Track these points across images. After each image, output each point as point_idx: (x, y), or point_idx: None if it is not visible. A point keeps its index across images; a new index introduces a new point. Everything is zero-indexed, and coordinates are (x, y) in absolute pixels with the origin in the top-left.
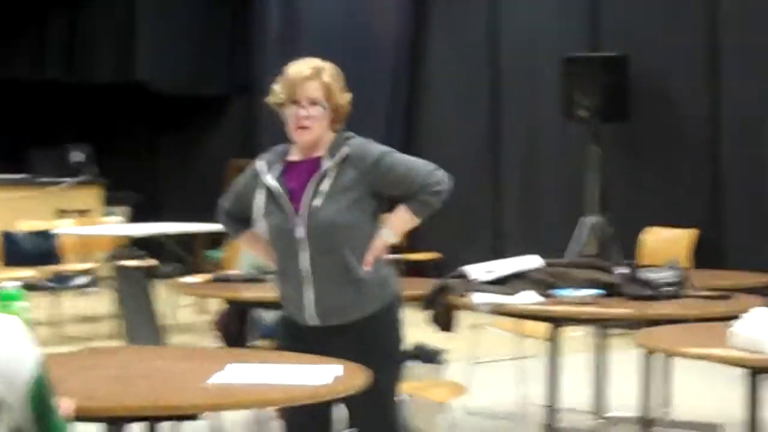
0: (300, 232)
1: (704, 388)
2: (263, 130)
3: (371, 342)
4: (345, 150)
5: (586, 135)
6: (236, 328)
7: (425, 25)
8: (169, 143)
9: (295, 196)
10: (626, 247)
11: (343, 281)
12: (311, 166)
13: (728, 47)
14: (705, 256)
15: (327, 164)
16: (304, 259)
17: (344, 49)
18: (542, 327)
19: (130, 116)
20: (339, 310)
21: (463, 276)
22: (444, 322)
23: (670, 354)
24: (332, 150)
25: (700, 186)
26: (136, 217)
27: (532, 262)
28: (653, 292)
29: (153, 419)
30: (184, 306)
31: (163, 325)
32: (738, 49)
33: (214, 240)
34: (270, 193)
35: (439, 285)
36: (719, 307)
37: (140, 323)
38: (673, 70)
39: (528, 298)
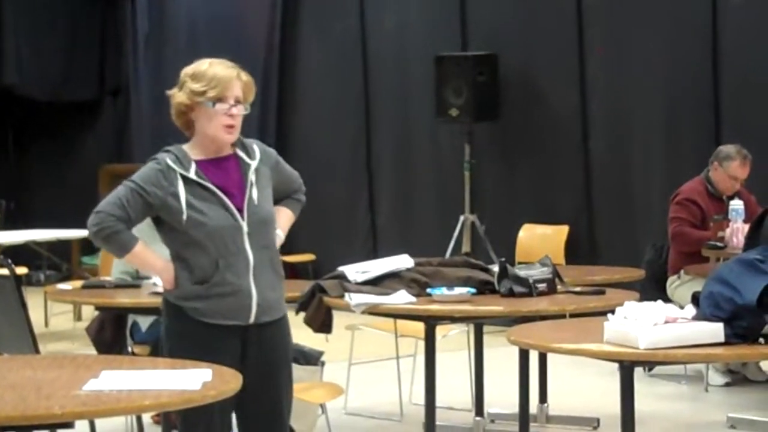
0: (245, 226)
1: (581, 382)
2: (136, 134)
3: (288, 342)
4: (256, 148)
5: (458, 134)
6: (110, 335)
7: (295, 25)
8: (39, 149)
9: (228, 192)
10: (503, 245)
11: (274, 277)
12: (230, 162)
13: (594, 43)
14: (578, 252)
15: (253, 162)
16: (251, 253)
17: (213, 49)
18: (418, 326)
19: None
20: (272, 306)
21: (338, 277)
22: (320, 323)
23: (543, 350)
24: (243, 149)
25: (572, 182)
26: (6, 225)
27: (403, 261)
28: (526, 289)
29: (23, 429)
30: (61, 313)
31: (35, 334)
32: (601, 45)
33: (90, 246)
34: (197, 189)
35: (314, 286)
36: (592, 302)
37: (11, 332)
38: (541, 67)
39: (402, 298)
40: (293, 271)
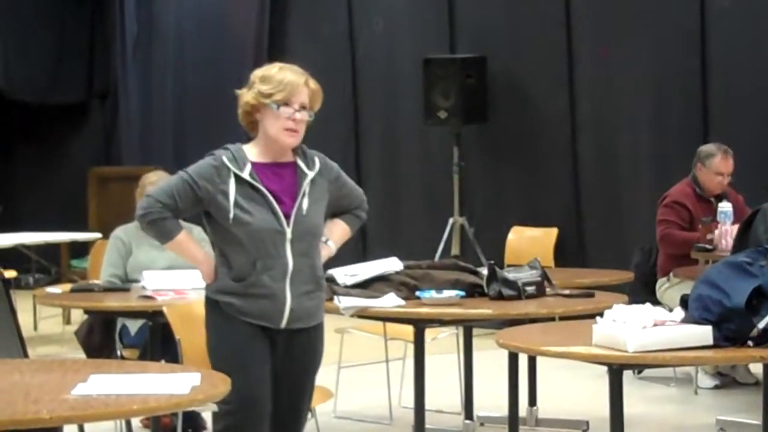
0: (289, 233)
1: (570, 385)
2: (124, 136)
3: (318, 350)
4: (317, 160)
5: (447, 137)
6: (99, 339)
7: (283, 28)
8: (27, 152)
9: (279, 198)
10: (492, 248)
11: (312, 285)
12: (287, 170)
13: (583, 46)
14: (567, 254)
15: (311, 173)
16: (290, 259)
17: (202, 52)
18: (407, 329)
19: None
20: (306, 313)
21: (328, 280)
22: None
23: (532, 353)
24: (304, 158)
25: (560, 185)
26: None
27: (392, 264)
28: (515, 292)
29: None
30: (50, 317)
31: (23, 338)
32: (591, 49)
33: (80, 249)
34: (247, 190)
35: None
36: (581, 305)
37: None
38: (530, 70)
39: (391, 301)
40: None
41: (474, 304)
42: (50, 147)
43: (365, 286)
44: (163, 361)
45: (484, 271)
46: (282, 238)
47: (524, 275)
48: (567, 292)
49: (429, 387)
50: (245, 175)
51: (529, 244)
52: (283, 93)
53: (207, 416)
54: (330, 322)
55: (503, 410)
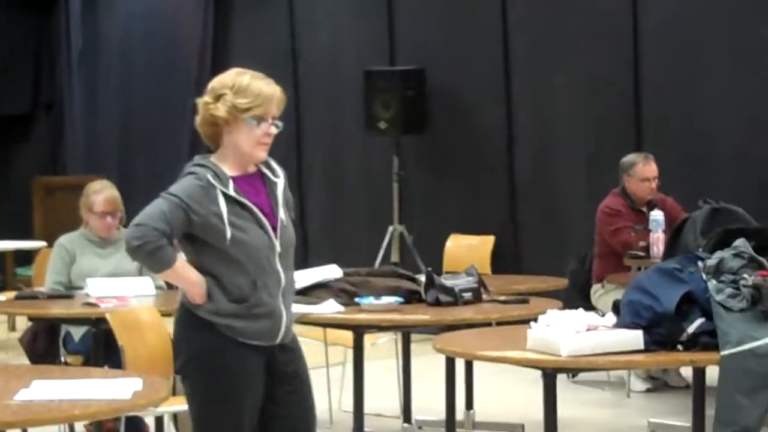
0: (278, 246)
1: (506, 389)
2: (69, 147)
3: (304, 357)
4: (276, 166)
5: (387, 146)
6: (43, 345)
7: (226, 41)
8: None
9: (263, 211)
10: (430, 255)
11: (293, 296)
12: (258, 180)
13: (519, 61)
14: (503, 261)
15: (278, 180)
16: (282, 273)
17: (147, 64)
18: (347, 335)
19: None
20: (292, 324)
21: None
22: None
23: (468, 358)
24: (267, 165)
25: (497, 194)
26: None
27: (331, 272)
28: (452, 299)
29: None
30: None
31: None
32: (526, 61)
33: (25, 257)
34: (236, 208)
35: None
36: (516, 311)
37: None
38: (468, 82)
39: (331, 307)
40: None
41: (412, 311)
42: None
43: (305, 293)
44: (106, 367)
45: (423, 278)
46: (273, 252)
47: (461, 282)
48: (503, 298)
49: (368, 391)
50: (231, 192)
51: (467, 251)
52: (261, 108)
53: (150, 421)
54: None
55: (441, 414)
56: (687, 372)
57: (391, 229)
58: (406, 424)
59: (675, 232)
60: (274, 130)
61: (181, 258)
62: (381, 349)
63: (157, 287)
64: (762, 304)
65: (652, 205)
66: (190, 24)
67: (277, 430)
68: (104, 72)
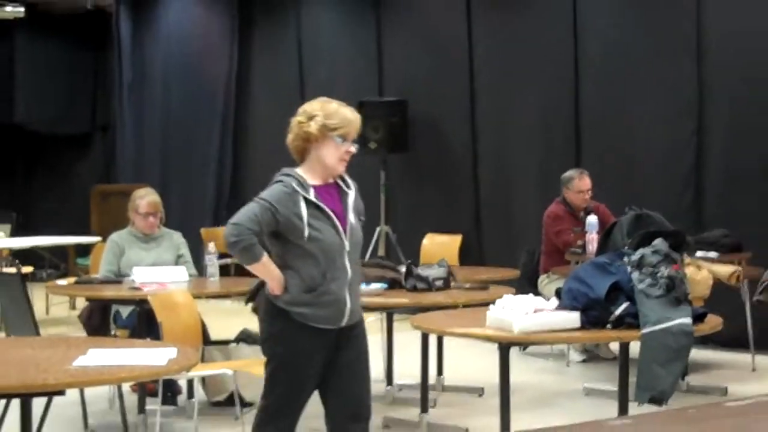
0: (347, 245)
1: (470, 359)
2: (120, 161)
3: (366, 338)
4: (349, 180)
5: (376, 163)
6: (98, 321)
7: (247, 75)
8: (43, 172)
9: (337, 215)
10: (410, 250)
11: (358, 287)
12: (334, 190)
13: (482, 91)
14: (469, 256)
15: (351, 191)
16: (349, 268)
17: (183, 94)
18: None
19: (9, 152)
20: (358, 310)
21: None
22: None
23: (439, 333)
24: (341, 178)
25: (465, 201)
26: (17, 233)
27: None
28: (426, 286)
29: (24, 396)
30: (59, 303)
31: (36, 320)
32: (488, 92)
33: (84, 250)
34: (315, 211)
35: (259, 282)
36: (479, 296)
37: (17, 319)
38: (441, 111)
39: None
40: (244, 271)
41: (394, 295)
42: (62, 168)
43: None
44: (148, 339)
45: (403, 268)
46: (343, 250)
47: (434, 272)
48: (467, 285)
49: None
50: (312, 197)
51: (440, 247)
52: (346, 129)
53: (182, 383)
54: None
55: (417, 378)
56: (615, 346)
57: (378, 229)
58: (388, 387)
59: (606, 234)
60: (353, 149)
61: (267, 256)
62: (370, 326)
63: (191, 275)
64: (675, 292)
65: (587, 212)
66: (217, 61)
67: (331, 393)
68: (148, 100)
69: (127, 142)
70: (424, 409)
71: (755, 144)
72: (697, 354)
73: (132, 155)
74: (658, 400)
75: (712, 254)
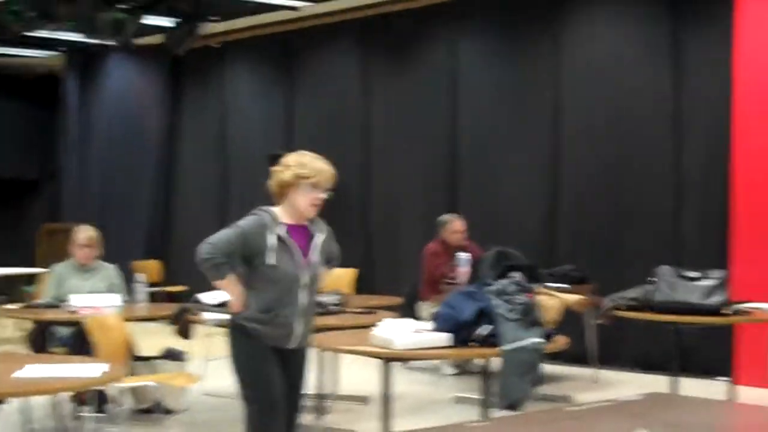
0: (305, 278)
1: (359, 372)
2: (66, 204)
3: (308, 362)
4: (322, 225)
5: None
6: (41, 340)
7: (179, 124)
8: None
9: (302, 251)
10: None
11: (312, 316)
12: (303, 230)
13: (376, 144)
14: (362, 285)
15: (320, 235)
16: (302, 298)
17: (122, 146)
18: None
19: None
20: (305, 337)
21: (198, 301)
22: (185, 332)
23: (334, 351)
24: (315, 223)
25: (359, 240)
26: None
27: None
28: (323, 310)
29: None
30: (8, 326)
31: None
32: (380, 145)
33: (30, 279)
34: (282, 245)
35: (182, 307)
36: (367, 319)
37: None
38: (340, 161)
39: None
40: (171, 298)
41: None
42: (14, 208)
43: (225, 306)
44: (83, 356)
45: None
46: (299, 282)
47: (330, 299)
48: (358, 310)
49: None
50: (282, 233)
51: (336, 278)
52: (317, 178)
53: (113, 393)
54: (201, 329)
55: (314, 389)
56: (480, 361)
57: None
58: None
59: (474, 267)
60: (323, 196)
61: (232, 276)
62: None
63: (123, 301)
64: (529, 316)
65: (460, 249)
66: (152, 119)
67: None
68: (92, 151)
69: (71, 187)
70: (320, 414)
71: (602, 196)
72: (547, 368)
73: (75, 198)
74: (514, 406)
75: (564, 285)
